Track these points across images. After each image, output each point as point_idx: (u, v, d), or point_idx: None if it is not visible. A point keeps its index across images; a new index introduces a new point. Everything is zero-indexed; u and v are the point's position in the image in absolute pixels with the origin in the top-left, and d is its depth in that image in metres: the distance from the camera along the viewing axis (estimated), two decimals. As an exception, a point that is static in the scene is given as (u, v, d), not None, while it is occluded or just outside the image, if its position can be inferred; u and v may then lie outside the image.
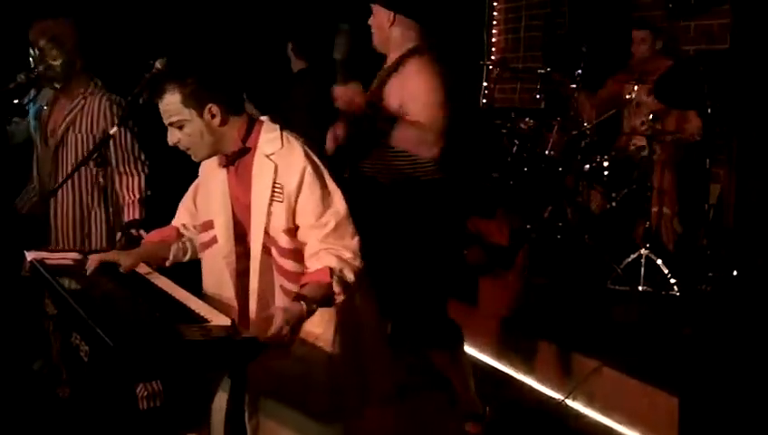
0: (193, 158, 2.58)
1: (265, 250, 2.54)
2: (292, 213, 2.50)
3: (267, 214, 2.51)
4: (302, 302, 2.35)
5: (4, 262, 3.92)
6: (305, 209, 2.48)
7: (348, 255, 2.46)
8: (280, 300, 2.54)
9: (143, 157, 3.66)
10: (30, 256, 2.84)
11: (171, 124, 2.48)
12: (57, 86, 3.68)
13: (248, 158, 2.55)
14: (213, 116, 2.47)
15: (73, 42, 3.62)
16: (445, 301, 3.65)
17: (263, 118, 2.61)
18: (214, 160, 2.62)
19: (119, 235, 3.59)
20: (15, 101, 3.88)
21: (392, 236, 3.35)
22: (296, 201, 2.48)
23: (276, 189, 2.49)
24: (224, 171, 2.62)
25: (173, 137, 2.51)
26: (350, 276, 2.45)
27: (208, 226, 2.68)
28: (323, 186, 2.49)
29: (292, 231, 2.52)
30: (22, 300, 3.94)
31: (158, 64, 3.18)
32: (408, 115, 3.36)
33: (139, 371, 2.13)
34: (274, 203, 2.50)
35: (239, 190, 2.59)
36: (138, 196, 3.63)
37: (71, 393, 3.74)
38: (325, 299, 2.42)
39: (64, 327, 3.38)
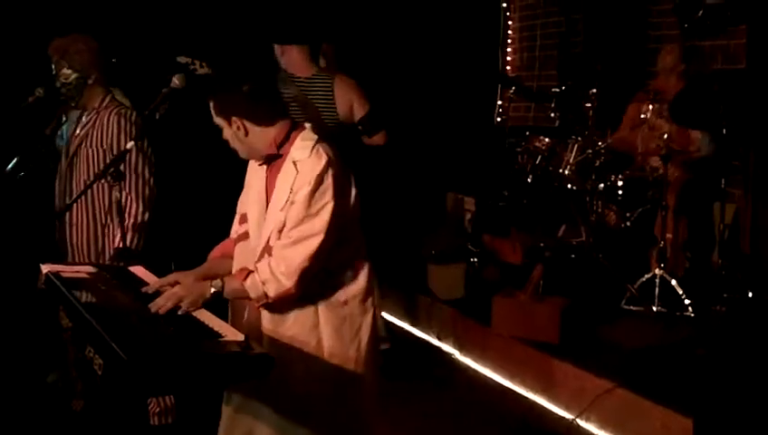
0: (241, 155, 2.73)
1: (267, 249, 2.62)
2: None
3: (277, 217, 2.59)
4: (213, 284, 2.53)
5: (19, 275, 3.94)
6: (290, 217, 2.56)
7: (281, 270, 2.51)
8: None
9: (148, 176, 3.64)
10: (45, 268, 2.86)
11: (218, 126, 2.68)
12: (72, 103, 3.72)
13: (280, 161, 2.65)
14: (238, 128, 2.62)
15: (87, 58, 3.65)
16: None
17: (306, 125, 2.71)
18: (258, 164, 2.76)
19: (110, 262, 3.53)
20: (48, 132, 3.93)
21: None
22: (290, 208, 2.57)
23: (289, 196, 2.57)
24: (263, 172, 2.73)
25: (223, 136, 2.69)
26: (270, 291, 2.52)
27: (243, 219, 2.79)
28: (315, 204, 2.53)
29: (281, 231, 2.60)
30: (37, 313, 3.96)
31: (175, 80, 3.20)
32: None
33: (152, 384, 2.14)
34: (285, 206, 2.58)
35: (270, 190, 2.68)
36: (133, 220, 3.57)
37: (84, 406, 3.75)
38: (240, 296, 2.59)
39: (79, 340, 3.39)
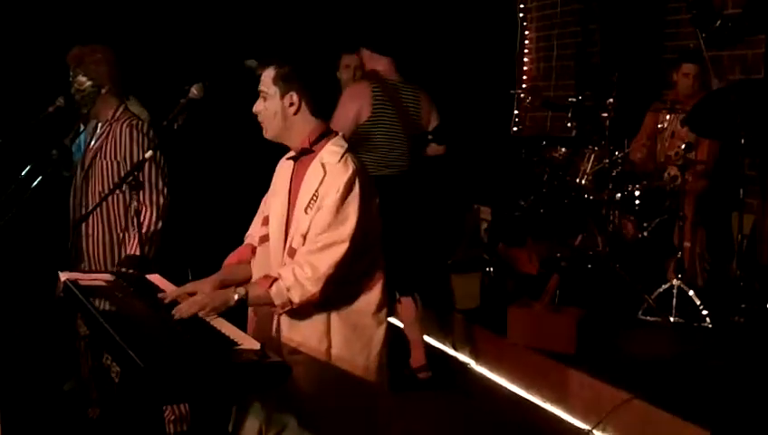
0: (263, 132, 2.73)
1: (289, 251, 2.64)
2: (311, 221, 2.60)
3: (301, 218, 2.61)
4: (236, 292, 2.53)
5: (37, 283, 3.97)
6: (315, 224, 2.57)
7: (306, 274, 2.51)
8: None
9: (161, 186, 3.65)
10: (63, 276, 2.88)
11: (260, 93, 2.68)
12: (84, 111, 3.76)
13: (308, 159, 2.67)
14: (291, 104, 2.65)
15: (102, 69, 3.68)
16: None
17: (338, 133, 2.75)
18: (286, 159, 2.79)
19: (116, 268, 3.54)
20: (67, 142, 3.96)
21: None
22: (317, 214, 2.57)
23: (314, 198, 2.59)
24: (290, 169, 2.75)
25: (257, 105, 2.69)
26: (294, 297, 2.52)
27: (266, 221, 2.80)
28: (343, 211, 2.55)
29: (305, 236, 2.61)
30: (54, 321, 3.98)
31: (193, 90, 3.22)
32: None
33: (169, 392, 2.15)
34: (308, 210, 2.59)
35: (296, 191, 2.70)
36: (146, 229, 3.57)
37: (100, 414, 3.76)
38: (264, 303, 2.58)
39: (96, 348, 3.41)
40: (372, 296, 2.71)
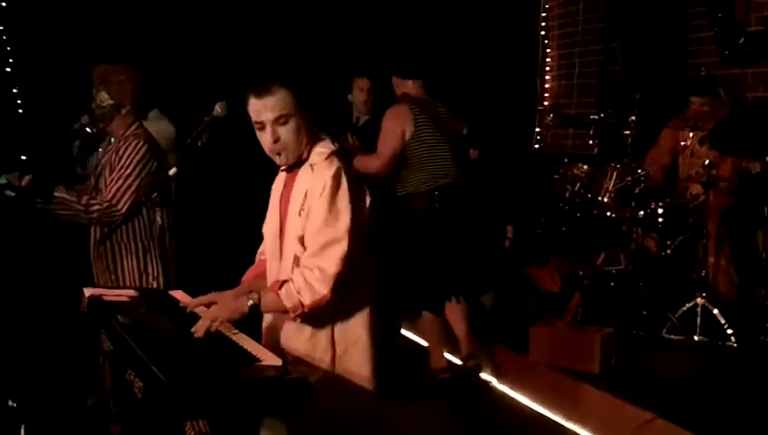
0: (283, 159, 2.65)
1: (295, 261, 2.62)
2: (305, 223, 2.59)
3: (294, 222, 2.61)
4: (250, 297, 2.53)
5: (62, 299, 4.00)
6: (311, 221, 2.56)
7: (315, 276, 2.50)
8: None
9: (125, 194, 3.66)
10: (88, 292, 2.90)
11: (277, 119, 2.58)
12: (100, 126, 3.80)
13: (300, 168, 2.67)
14: (308, 116, 2.63)
15: (125, 89, 3.72)
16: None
17: (324, 136, 2.71)
18: (280, 171, 2.76)
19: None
20: (88, 130, 4.02)
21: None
22: (310, 211, 2.57)
23: (305, 199, 2.59)
24: (282, 181, 2.75)
25: (275, 133, 2.59)
26: (306, 299, 2.50)
27: (263, 238, 2.82)
28: (335, 205, 2.54)
29: (302, 239, 2.60)
30: (78, 336, 4.01)
31: (217, 108, 3.25)
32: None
33: (191, 407, 2.15)
34: (301, 212, 2.59)
35: (287, 199, 2.70)
36: (91, 212, 3.59)
37: (122, 430, 3.78)
38: (276, 309, 2.57)
39: (119, 363, 3.43)
40: (367, 307, 2.70)
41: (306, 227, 2.57)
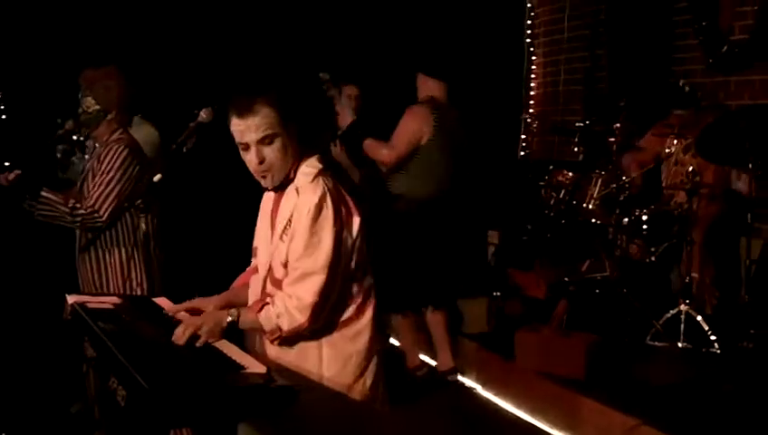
0: (267, 181, 2.58)
1: (272, 280, 2.62)
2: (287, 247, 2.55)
3: (277, 244, 2.58)
4: (229, 313, 2.51)
5: (45, 306, 3.98)
6: (292, 249, 2.53)
7: (294, 304, 2.49)
8: None
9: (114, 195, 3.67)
10: (71, 299, 2.88)
11: (262, 140, 2.49)
12: (86, 131, 3.79)
13: (287, 187, 2.61)
14: (294, 133, 2.55)
15: (111, 95, 3.71)
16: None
17: (313, 155, 2.64)
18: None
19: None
20: (74, 137, 4.00)
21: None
22: (293, 238, 2.52)
23: (288, 224, 2.55)
24: (271, 199, 2.70)
25: (260, 154, 2.51)
26: (283, 325, 2.50)
27: (255, 253, 2.77)
28: (316, 234, 2.49)
29: (285, 264, 2.56)
30: (62, 343, 3.99)
31: (202, 114, 3.24)
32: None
33: (174, 415, 2.14)
34: (283, 236, 2.56)
35: (275, 219, 2.66)
36: (79, 210, 3.59)
37: (106, 438, 3.75)
38: (254, 329, 2.57)
39: (102, 371, 3.41)
40: (363, 322, 2.65)
41: (289, 251, 2.53)
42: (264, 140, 2.50)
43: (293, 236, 2.52)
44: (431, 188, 4.83)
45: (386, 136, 4.91)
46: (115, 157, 3.62)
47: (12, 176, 3.53)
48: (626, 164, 5.40)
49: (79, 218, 3.60)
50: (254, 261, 2.80)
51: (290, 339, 2.57)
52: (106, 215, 3.60)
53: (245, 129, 2.49)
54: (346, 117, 5.32)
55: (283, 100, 2.51)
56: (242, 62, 5.83)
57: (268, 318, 2.51)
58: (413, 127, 4.79)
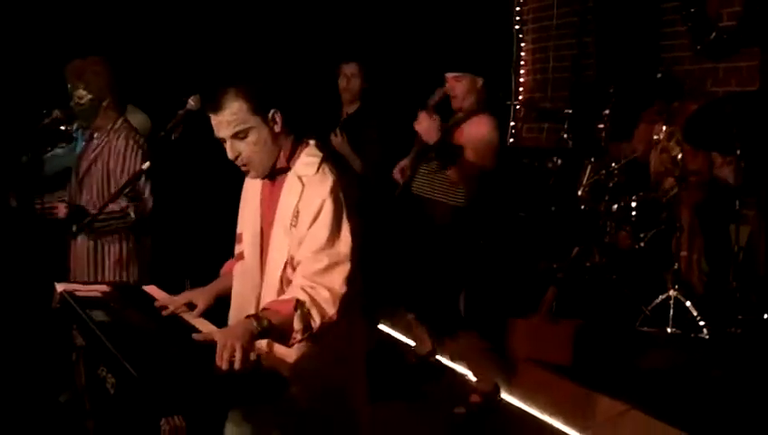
0: (251, 173, 2.54)
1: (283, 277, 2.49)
2: (299, 242, 2.45)
3: (284, 235, 2.48)
4: (254, 321, 2.26)
5: (34, 294, 3.97)
6: (310, 241, 2.42)
7: (324, 296, 2.35)
8: None
9: (147, 193, 3.71)
10: (60, 287, 2.88)
11: (236, 135, 2.44)
12: (84, 124, 3.78)
13: (283, 176, 2.54)
14: (275, 123, 2.46)
15: (102, 81, 3.70)
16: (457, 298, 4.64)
17: (311, 141, 2.59)
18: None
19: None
20: (62, 127, 3.98)
21: (421, 242, 4.42)
22: (307, 231, 2.43)
23: (296, 213, 2.46)
24: (259, 185, 2.61)
25: (234, 150, 2.46)
26: (316, 320, 2.34)
27: (240, 239, 2.67)
28: (335, 225, 2.42)
29: (292, 260, 2.47)
30: (50, 332, 3.98)
31: (191, 101, 3.22)
32: (466, 155, 4.31)
33: (164, 403, 2.14)
34: (291, 228, 2.47)
35: (269, 206, 2.58)
36: (128, 212, 3.64)
37: (95, 426, 3.74)
38: (282, 331, 2.32)
39: (92, 359, 3.40)
40: (353, 310, 2.57)
41: (306, 245, 2.42)
42: (238, 135, 2.45)
43: (310, 227, 2.42)
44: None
45: (391, 122, 4.81)
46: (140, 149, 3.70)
47: (63, 212, 3.53)
48: (631, 150, 5.37)
49: (131, 217, 3.63)
50: (238, 247, 2.71)
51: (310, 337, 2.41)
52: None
53: (218, 124, 2.45)
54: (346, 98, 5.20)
55: (255, 90, 2.43)
56: (230, 47, 5.81)
57: (302, 316, 2.34)
58: (497, 143, 4.52)
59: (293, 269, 2.46)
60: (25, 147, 4.21)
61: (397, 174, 4.66)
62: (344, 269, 2.40)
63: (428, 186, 4.51)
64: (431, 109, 4.46)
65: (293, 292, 2.37)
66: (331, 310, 2.36)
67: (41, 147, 4.19)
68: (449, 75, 4.54)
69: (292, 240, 2.47)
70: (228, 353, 2.16)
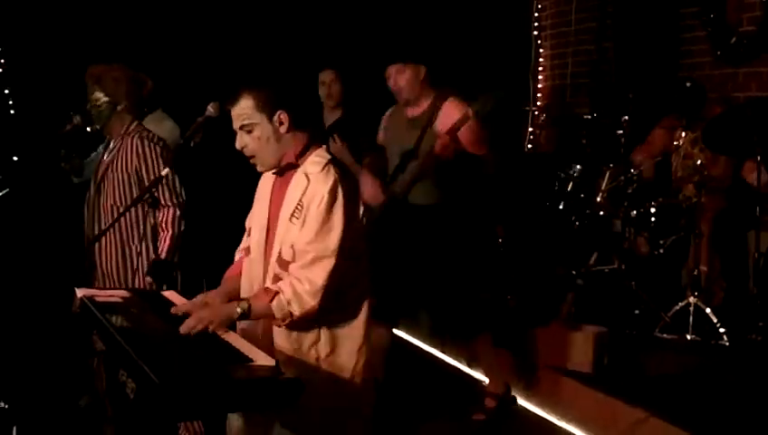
0: (258, 166, 2.72)
1: (279, 262, 2.64)
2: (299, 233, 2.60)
3: (287, 227, 2.63)
4: (239, 305, 2.53)
5: (54, 300, 4.00)
6: (304, 233, 2.58)
7: (305, 288, 2.53)
8: None
9: (181, 191, 3.75)
10: (80, 292, 2.90)
11: (242, 128, 2.64)
12: (97, 127, 3.81)
13: (291, 173, 2.70)
14: (281, 123, 2.63)
15: (120, 87, 3.74)
16: (474, 297, 4.37)
17: (323, 145, 2.76)
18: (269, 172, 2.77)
19: (148, 279, 3.64)
20: (88, 129, 4.02)
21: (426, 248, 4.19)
22: (304, 224, 2.58)
23: (298, 207, 2.61)
24: (272, 181, 2.78)
25: (241, 141, 2.66)
26: (295, 310, 2.53)
27: (248, 233, 2.84)
28: (328, 220, 2.56)
29: (292, 247, 2.61)
30: (71, 337, 4.01)
31: (210, 108, 3.25)
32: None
33: (183, 408, 2.15)
34: (293, 219, 2.61)
35: (276, 201, 2.72)
36: (170, 230, 3.70)
37: (115, 430, 3.77)
38: (264, 316, 2.59)
39: (112, 364, 3.43)
40: (359, 306, 2.71)
41: (299, 236, 2.59)
42: (244, 128, 2.65)
43: (305, 221, 2.58)
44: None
45: (374, 128, 4.61)
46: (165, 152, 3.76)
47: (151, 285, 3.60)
48: (637, 160, 5.37)
49: (182, 225, 3.75)
50: (245, 240, 2.86)
51: (298, 323, 2.60)
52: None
53: (233, 117, 2.67)
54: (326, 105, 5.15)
55: (262, 91, 2.62)
56: (250, 57, 5.84)
57: (280, 306, 2.53)
58: None
59: (284, 260, 2.62)
60: (54, 152, 4.26)
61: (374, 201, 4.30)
62: (328, 263, 2.56)
63: (421, 193, 4.23)
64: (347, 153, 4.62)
65: (282, 283, 2.57)
66: (311, 301, 2.54)
67: (68, 152, 4.23)
68: (392, 67, 4.26)
69: (289, 232, 2.62)
70: (194, 324, 2.47)
